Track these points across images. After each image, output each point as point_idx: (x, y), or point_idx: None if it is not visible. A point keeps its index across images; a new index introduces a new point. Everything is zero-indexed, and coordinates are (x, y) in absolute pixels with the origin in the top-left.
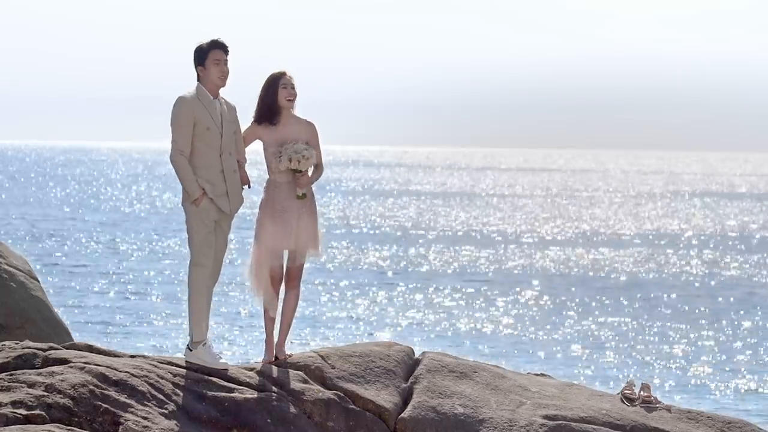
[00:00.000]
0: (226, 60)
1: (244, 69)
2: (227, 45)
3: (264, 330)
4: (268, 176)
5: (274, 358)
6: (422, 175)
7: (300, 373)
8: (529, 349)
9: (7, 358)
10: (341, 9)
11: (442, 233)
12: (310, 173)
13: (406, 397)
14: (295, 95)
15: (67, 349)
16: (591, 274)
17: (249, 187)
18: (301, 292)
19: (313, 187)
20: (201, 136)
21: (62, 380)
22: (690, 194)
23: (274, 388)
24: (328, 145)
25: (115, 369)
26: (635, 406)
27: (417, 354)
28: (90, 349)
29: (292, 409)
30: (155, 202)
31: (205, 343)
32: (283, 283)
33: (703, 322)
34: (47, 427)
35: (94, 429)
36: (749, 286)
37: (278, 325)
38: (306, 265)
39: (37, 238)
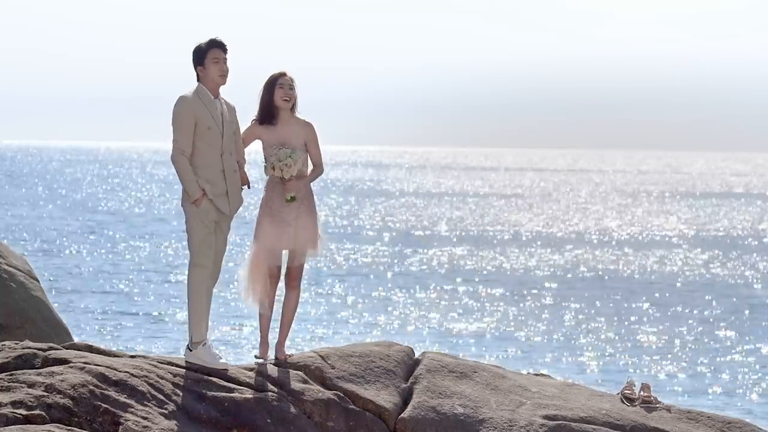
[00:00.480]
0: (225, 58)
1: (244, 69)
2: (225, 44)
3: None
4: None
5: (267, 355)
6: (422, 175)
7: (300, 373)
8: (529, 349)
9: (7, 358)
10: (341, 9)
11: (442, 233)
12: (308, 171)
13: (406, 397)
14: (291, 96)
15: (67, 349)
16: (591, 274)
17: (249, 187)
18: (302, 292)
19: (313, 187)
20: (202, 136)
21: (62, 380)
22: (689, 194)
23: (274, 388)
24: (328, 145)
25: (115, 369)
26: (635, 406)
27: (417, 354)
28: (90, 349)
29: (292, 409)
30: (155, 202)
31: (205, 344)
32: (283, 283)
33: (703, 322)
34: (47, 427)
35: (94, 429)
36: (749, 285)
37: (277, 325)
38: (306, 266)
39: (37, 239)
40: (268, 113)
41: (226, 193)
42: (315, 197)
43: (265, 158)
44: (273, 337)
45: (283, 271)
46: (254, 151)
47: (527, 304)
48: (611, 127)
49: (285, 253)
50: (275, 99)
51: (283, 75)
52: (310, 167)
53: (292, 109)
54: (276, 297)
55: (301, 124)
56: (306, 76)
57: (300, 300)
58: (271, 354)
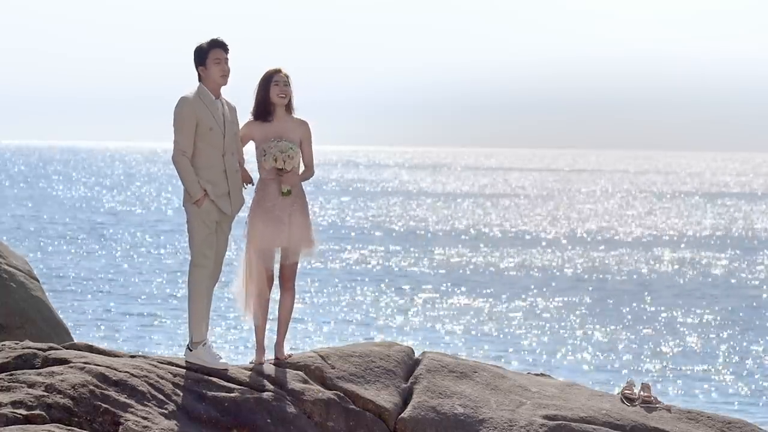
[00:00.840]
0: (227, 59)
1: (244, 69)
2: (227, 44)
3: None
4: (259, 176)
5: (263, 361)
6: (422, 175)
7: (300, 373)
8: (529, 349)
9: (7, 358)
10: (341, 9)
11: (442, 233)
12: (300, 170)
13: (406, 397)
14: (287, 93)
15: (67, 349)
16: (591, 274)
17: (252, 184)
18: (302, 292)
19: (312, 187)
20: (203, 137)
21: (62, 380)
22: (689, 194)
23: (274, 388)
24: (328, 145)
25: (115, 369)
26: (635, 406)
27: (417, 354)
28: (90, 349)
29: (292, 409)
30: (155, 202)
31: (205, 344)
32: (278, 284)
33: (704, 322)
34: (47, 427)
35: (94, 429)
36: (749, 285)
37: (273, 326)
38: (305, 265)
39: (37, 238)
40: (263, 110)
41: (227, 194)
42: (308, 199)
43: (263, 152)
44: (269, 339)
45: (277, 272)
46: (251, 152)
47: (527, 304)
48: (611, 127)
49: (278, 255)
50: (271, 96)
51: (278, 72)
52: (301, 168)
53: (288, 106)
54: (272, 299)
55: (297, 123)
56: (306, 76)
57: (299, 300)
58: (271, 355)
